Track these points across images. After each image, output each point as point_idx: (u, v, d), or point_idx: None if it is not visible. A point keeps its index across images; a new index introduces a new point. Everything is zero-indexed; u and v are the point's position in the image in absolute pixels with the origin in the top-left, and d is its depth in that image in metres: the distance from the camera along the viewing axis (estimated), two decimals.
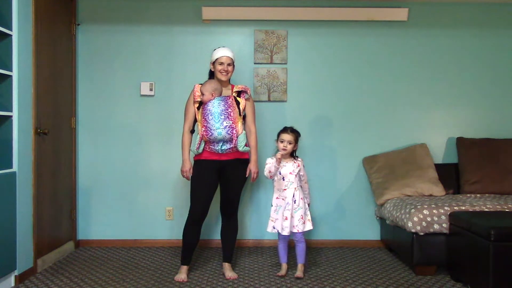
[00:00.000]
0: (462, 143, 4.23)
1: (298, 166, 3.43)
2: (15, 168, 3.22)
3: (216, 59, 3.38)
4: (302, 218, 3.38)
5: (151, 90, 4.27)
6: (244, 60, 4.27)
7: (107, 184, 4.29)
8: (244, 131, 3.38)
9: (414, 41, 4.33)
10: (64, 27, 4.06)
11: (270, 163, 3.36)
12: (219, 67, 3.37)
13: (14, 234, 3.19)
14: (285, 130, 3.41)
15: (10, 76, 3.19)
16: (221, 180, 3.42)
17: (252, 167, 3.41)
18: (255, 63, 4.30)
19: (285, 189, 3.40)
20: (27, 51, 3.35)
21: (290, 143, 3.38)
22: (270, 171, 3.35)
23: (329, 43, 4.33)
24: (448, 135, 4.37)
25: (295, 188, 3.39)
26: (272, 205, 3.45)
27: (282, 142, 3.38)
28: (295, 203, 3.38)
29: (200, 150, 3.34)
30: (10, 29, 3.18)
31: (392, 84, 4.35)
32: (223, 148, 3.29)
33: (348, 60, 4.33)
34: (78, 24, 4.25)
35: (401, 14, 4.26)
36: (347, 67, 4.33)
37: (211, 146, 3.31)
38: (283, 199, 3.40)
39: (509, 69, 4.37)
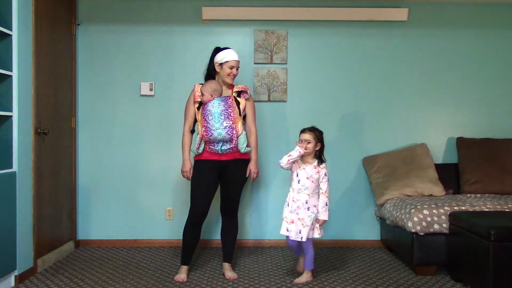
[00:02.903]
0: (462, 143, 4.23)
1: (318, 172, 3.23)
2: (15, 168, 3.22)
3: (227, 61, 3.38)
4: (312, 224, 3.23)
5: (151, 90, 4.27)
6: (244, 60, 4.26)
7: (107, 184, 4.29)
8: (244, 132, 3.38)
9: (414, 41, 4.33)
10: (64, 27, 4.06)
11: (295, 152, 3.17)
12: (228, 70, 3.38)
13: (14, 234, 3.19)
14: (303, 130, 3.28)
15: (10, 76, 3.19)
16: (221, 180, 3.42)
17: (252, 167, 3.41)
18: (255, 63, 4.30)
19: (298, 192, 3.26)
20: (27, 51, 3.35)
21: (309, 143, 3.22)
22: (289, 158, 3.17)
23: (329, 43, 4.33)
24: (448, 135, 4.37)
25: (308, 195, 3.23)
26: (287, 205, 3.29)
27: (301, 142, 3.23)
28: (308, 210, 3.22)
29: (200, 150, 3.34)
30: (10, 29, 3.18)
31: (392, 84, 4.35)
32: (223, 148, 3.30)
33: (348, 60, 4.33)
34: (78, 24, 4.25)
35: (401, 14, 4.26)
36: (347, 67, 4.33)
37: (211, 146, 3.31)
38: (294, 201, 3.26)
39: (509, 69, 4.37)
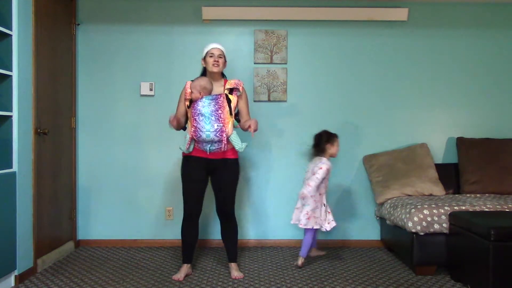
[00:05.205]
0: (462, 143, 4.23)
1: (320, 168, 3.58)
2: (15, 168, 3.22)
3: (207, 52, 3.38)
4: (307, 214, 3.55)
5: (151, 90, 4.27)
6: (244, 60, 4.28)
7: (107, 184, 4.29)
8: (234, 131, 3.32)
9: (414, 41, 4.33)
10: (64, 27, 4.06)
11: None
12: (210, 60, 3.35)
13: (14, 234, 3.19)
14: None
15: (10, 76, 3.19)
16: (212, 182, 3.40)
17: (252, 123, 3.23)
18: (255, 63, 4.30)
19: (303, 182, 3.68)
20: (27, 51, 3.36)
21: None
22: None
23: (329, 43, 4.33)
24: (448, 135, 4.37)
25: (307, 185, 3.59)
26: None
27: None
28: (303, 199, 3.59)
29: (191, 149, 3.31)
30: (10, 29, 3.18)
31: (392, 84, 4.35)
32: (211, 148, 3.26)
33: (348, 60, 4.33)
34: (78, 24, 4.25)
35: (401, 14, 4.26)
36: (347, 67, 4.33)
37: (199, 145, 3.29)
38: None
39: (509, 69, 4.37)
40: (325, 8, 4.25)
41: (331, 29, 4.31)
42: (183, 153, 3.38)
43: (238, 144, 3.30)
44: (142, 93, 4.28)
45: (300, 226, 3.58)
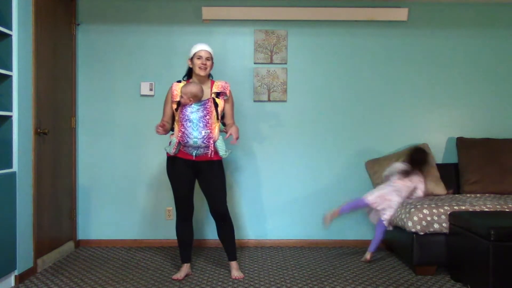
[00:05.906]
0: (462, 143, 4.23)
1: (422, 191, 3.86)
2: (15, 168, 3.22)
3: (194, 53, 3.28)
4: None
5: (151, 90, 4.27)
6: (244, 60, 4.27)
7: (107, 184, 4.29)
8: (221, 136, 3.29)
9: (414, 41, 4.33)
10: (64, 27, 4.06)
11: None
12: (197, 62, 3.26)
13: (14, 234, 3.19)
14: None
15: (10, 76, 3.19)
16: (201, 184, 3.37)
17: (233, 131, 3.20)
18: (255, 63, 4.30)
19: None
20: (27, 51, 3.36)
21: None
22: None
23: (329, 43, 4.33)
24: (448, 135, 4.37)
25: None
26: None
27: None
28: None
29: (177, 152, 3.29)
30: (10, 29, 3.18)
31: (392, 84, 4.35)
32: (197, 153, 3.24)
33: (348, 60, 4.33)
34: (78, 24, 4.25)
35: (401, 14, 4.26)
36: (347, 67, 4.33)
37: (185, 149, 3.27)
38: None
39: (509, 69, 4.37)
40: (325, 8, 4.25)
41: (331, 29, 4.31)
42: (167, 153, 3.36)
43: (222, 151, 3.26)
44: (142, 93, 4.28)
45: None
